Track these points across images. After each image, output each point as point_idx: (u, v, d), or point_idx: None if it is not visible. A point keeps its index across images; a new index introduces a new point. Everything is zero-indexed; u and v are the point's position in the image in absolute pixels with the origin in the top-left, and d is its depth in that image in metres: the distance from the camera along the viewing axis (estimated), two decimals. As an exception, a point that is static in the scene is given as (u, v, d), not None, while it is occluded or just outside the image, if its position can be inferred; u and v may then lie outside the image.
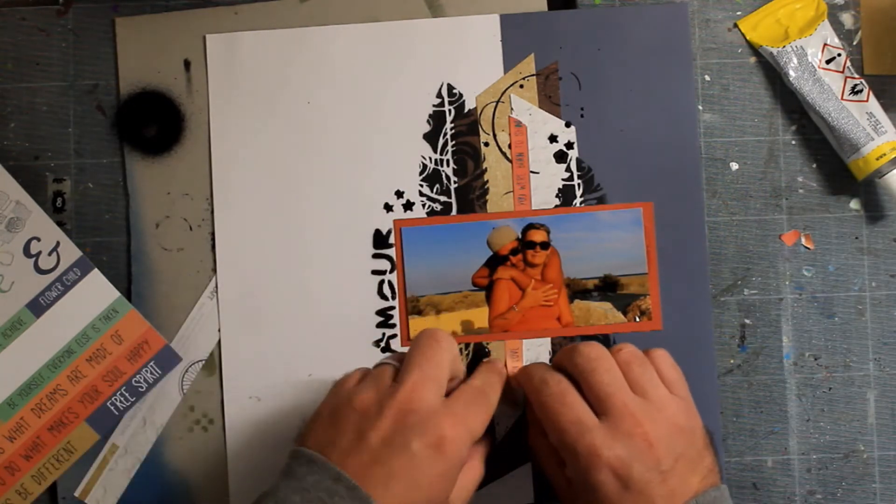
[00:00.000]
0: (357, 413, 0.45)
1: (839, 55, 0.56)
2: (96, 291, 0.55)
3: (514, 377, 0.53)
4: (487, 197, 0.56)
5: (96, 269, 0.55)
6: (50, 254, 0.55)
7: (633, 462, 0.45)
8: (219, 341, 0.55)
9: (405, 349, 0.54)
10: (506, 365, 0.55)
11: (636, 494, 0.45)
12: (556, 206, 0.56)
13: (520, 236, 0.55)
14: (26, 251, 0.54)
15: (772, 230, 0.56)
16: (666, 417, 0.47)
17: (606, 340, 0.55)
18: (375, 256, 0.55)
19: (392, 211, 0.56)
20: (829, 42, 0.56)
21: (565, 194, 0.56)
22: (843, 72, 0.56)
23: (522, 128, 0.56)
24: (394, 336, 0.55)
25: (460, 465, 0.45)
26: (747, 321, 0.56)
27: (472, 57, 0.56)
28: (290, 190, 0.56)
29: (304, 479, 0.43)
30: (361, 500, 0.42)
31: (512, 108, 0.56)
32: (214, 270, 0.55)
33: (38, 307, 0.54)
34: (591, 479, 0.45)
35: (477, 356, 0.55)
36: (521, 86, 0.56)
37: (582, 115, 0.56)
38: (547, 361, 0.55)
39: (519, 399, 0.54)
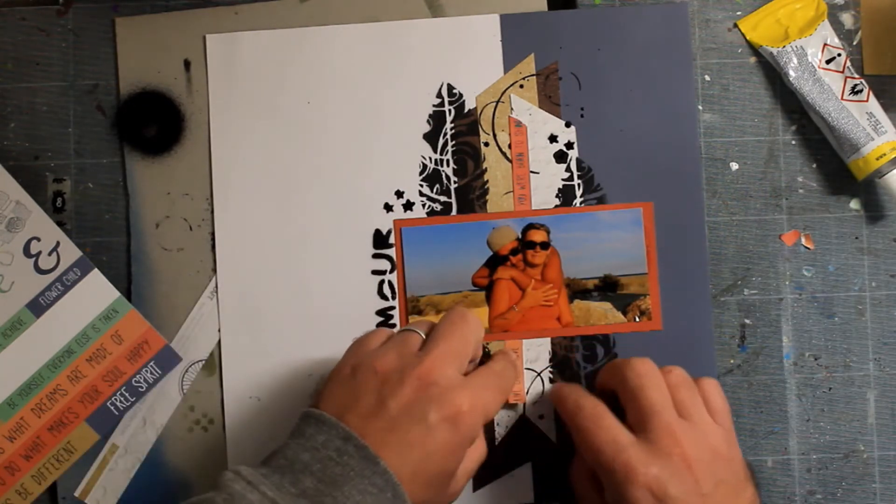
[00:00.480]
0: (378, 377, 0.45)
1: (839, 55, 0.56)
2: (96, 291, 0.55)
3: (548, 395, 0.53)
4: (487, 197, 0.56)
5: (96, 269, 0.55)
6: (50, 254, 0.55)
7: (669, 481, 0.45)
8: (219, 341, 0.55)
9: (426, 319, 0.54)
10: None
11: None
12: (556, 206, 0.56)
13: (520, 236, 0.56)
14: (26, 251, 0.54)
15: (772, 230, 0.56)
16: (708, 442, 0.47)
17: (606, 341, 0.55)
18: (375, 256, 0.55)
19: (392, 211, 0.56)
20: (829, 42, 0.56)
21: (565, 194, 0.56)
22: (843, 72, 0.56)
23: (522, 128, 0.56)
24: (394, 336, 0.55)
25: (471, 442, 0.46)
26: (747, 321, 0.56)
27: (472, 57, 0.56)
28: (290, 190, 0.56)
29: (312, 438, 0.44)
30: (370, 459, 0.42)
31: (512, 108, 0.56)
32: (214, 270, 0.55)
33: (38, 307, 0.54)
34: (628, 496, 0.46)
35: (477, 356, 0.55)
36: (521, 86, 0.56)
37: (582, 115, 0.56)
38: (547, 362, 0.55)
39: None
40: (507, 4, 0.56)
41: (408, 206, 0.56)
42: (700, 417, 0.48)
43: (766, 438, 0.56)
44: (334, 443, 0.43)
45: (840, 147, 0.55)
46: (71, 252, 0.55)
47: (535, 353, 0.55)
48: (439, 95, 0.56)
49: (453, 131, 0.56)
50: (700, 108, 0.56)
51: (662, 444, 0.47)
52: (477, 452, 0.49)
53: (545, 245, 0.56)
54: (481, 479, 0.55)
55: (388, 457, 0.43)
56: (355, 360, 0.47)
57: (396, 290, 0.55)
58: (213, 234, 0.56)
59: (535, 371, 0.55)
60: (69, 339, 0.54)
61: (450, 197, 0.56)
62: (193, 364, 0.55)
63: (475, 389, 0.46)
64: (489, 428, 0.55)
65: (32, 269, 0.54)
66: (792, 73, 0.55)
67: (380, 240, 0.55)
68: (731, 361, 0.56)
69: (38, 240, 0.55)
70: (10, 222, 0.55)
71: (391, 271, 0.55)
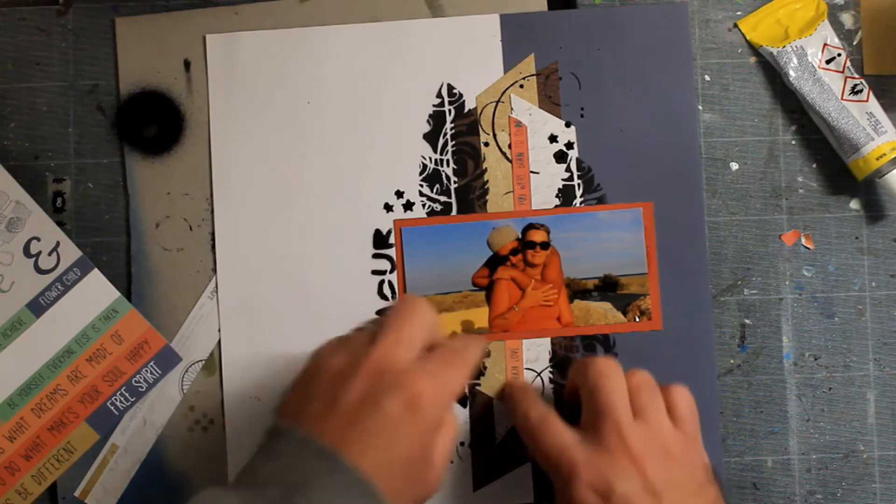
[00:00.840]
0: (330, 377, 0.44)
1: (839, 55, 0.56)
2: (96, 291, 0.55)
3: (501, 395, 0.53)
4: (487, 197, 0.56)
5: (96, 269, 0.55)
6: (50, 254, 0.55)
7: (614, 478, 0.45)
8: (219, 341, 0.55)
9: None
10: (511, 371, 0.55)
11: None
12: (556, 206, 0.56)
13: (520, 236, 0.56)
14: (26, 251, 0.54)
15: (772, 230, 0.56)
16: (659, 442, 0.47)
17: (606, 341, 0.55)
18: (375, 256, 0.55)
19: (392, 211, 0.56)
20: (829, 42, 0.56)
21: (565, 194, 0.56)
22: (843, 72, 0.56)
23: (522, 128, 0.56)
24: (394, 336, 0.55)
25: (437, 423, 0.44)
26: (747, 321, 0.56)
27: (472, 57, 0.56)
28: (290, 190, 0.56)
29: (273, 450, 0.43)
30: (329, 458, 0.41)
31: (512, 108, 0.56)
32: (214, 270, 0.55)
33: (38, 307, 0.54)
34: (573, 495, 0.45)
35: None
36: (521, 86, 0.56)
37: (582, 115, 0.56)
38: (547, 362, 0.55)
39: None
40: (507, 4, 0.56)
41: (408, 206, 0.56)
42: (657, 420, 0.48)
43: (766, 438, 0.56)
44: (293, 448, 0.42)
45: (840, 147, 0.55)
46: (71, 252, 0.55)
47: (535, 353, 0.55)
48: (439, 95, 0.56)
49: (453, 131, 0.56)
50: (700, 108, 0.56)
51: (608, 441, 0.46)
52: (448, 434, 0.46)
53: (545, 245, 0.56)
54: (481, 479, 0.55)
55: (349, 452, 0.41)
56: (308, 368, 0.46)
57: (396, 290, 0.55)
58: (213, 234, 0.56)
59: (535, 371, 0.55)
60: (69, 339, 0.54)
61: (450, 197, 0.56)
62: (193, 364, 0.55)
63: (432, 371, 0.44)
64: (489, 428, 0.55)
65: (32, 269, 0.54)
66: (792, 73, 0.55)
67: (380, 240, 0.55)
68: (731, 361, 0.56)
69: (38, 240, 0.55)
70: (10, 222, 0.55)
71: (391, 271, 0.55)
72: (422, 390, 0.43)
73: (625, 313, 0.55)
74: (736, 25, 0.57)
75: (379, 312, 0.55)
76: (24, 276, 0.54)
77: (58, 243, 0.55)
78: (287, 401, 0.46)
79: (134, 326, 0.55)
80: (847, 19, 0.57)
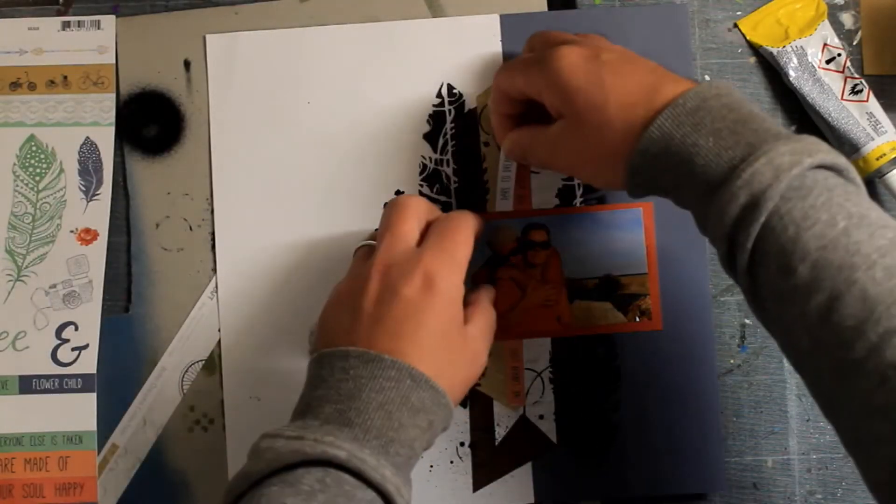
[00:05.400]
0: (347, 296, 0.47)
1: (839, 55, 0.56)
2: (80, 411, 0.54)
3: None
4: (487, 197, 0.56)
5: (94, 394, 0.54)
6: (74, 349, 0.54)
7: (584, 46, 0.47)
8: (219, 341, 0.55)
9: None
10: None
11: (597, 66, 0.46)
12: (556, 206, 0.56)
13: (520, 236, 0.55)
14: (58, 333, 0.54)
15: (772, 230, 0.56)
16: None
17: (606, 340, 0.55)
18: (375, 256, 0.55)
19: (392, 211, 0.56)
20: (829, 42, 0.56)
21: (565, 194, 0.56)
22: (843, 72, 0.56)
23: (522, 128, 0.56)
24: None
25: (459, 296, 0.47)
26: (747, 321, 0.56)
27: (472, 57, 0.56)
28: (290, 190, 0.56)
29: (317, 377, 0.45)
30: (373, 359, 0.43)
31: (512, 108, 0.56)
32: (214, 270, 0.55)
33: (27, 386, 0.54)
34: (555, 72, 0.46)
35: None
36: (521, 86, 0.56)
37: (582, 115, 0.56)
38: (547, 362, 0.55)
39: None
40: (507, 4, 0.56)
41: (408, 206, 0.56)
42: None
43: (766, 438, 0.56)
44: (337, 365, 0.44)
45: (840, 147, 0.55)
46: (89, 362, 0.54)
47: (535, 353, 0.55)
48: (439, 95, 0.56)
49: (453, 131, 0.56)
50: (700, 108, 0.56)
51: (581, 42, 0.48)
52: (482, 303, 0.50)
53: (545, 245, 0.56)
54: (481, 479, 0.55)
55: (386, 348, 0.44)
56: (325, 304, 0.49)
57: (396, 290, 0.55)
58: (213, 234, 0.56)
59: (536, 371, 0.55)
60: (27, 431, 0.54)
61: (450, 197, 0.56)
62: (193, 364, 0.55)
63: (430, 246, 0.47)
64: (489, 428, 0.55)
65: (49, 353, 0.54)
66: (792, 73, 0.55)
67: (380, 240, 0.55)
68: (731, 361, 0.56)
69: (76, 329, 0.54)
70: (68, 295, 0.55)
71: (391, 271, 0.55)
72: (431, 268, 0.46)
73: (625, 313, 0.55)
74: (736, 25, 0.57)
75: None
76: (39, 353, 0.54)
77: (87, 345, 0.54)
78: (317, 339, 0.48)
79: (84, 465, 0.54)
80: (847, 19, 0.57)
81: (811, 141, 0.41)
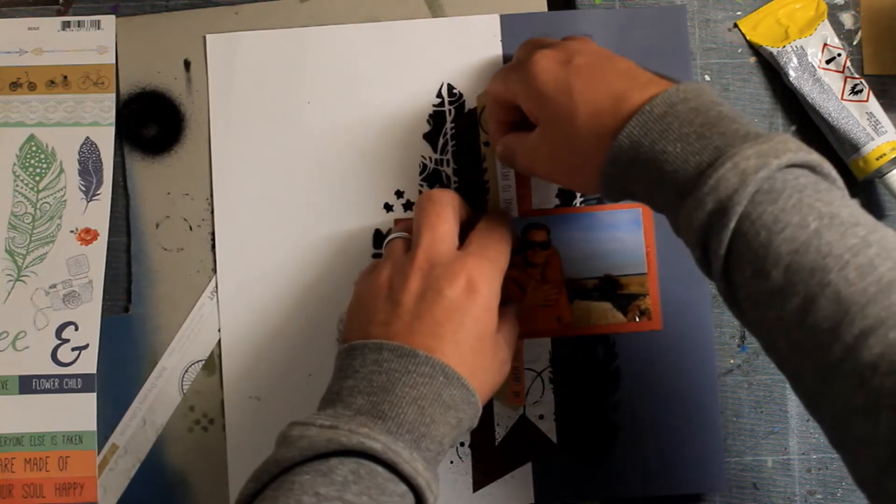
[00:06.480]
0: (383, 289, 0.47)
1: (839, 55, 0.56)
2: (80, 411, 0.54)
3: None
4: (487, 197, 0.56)
5: (94, 395, 0.54)
6: (74, 350, 0.54)
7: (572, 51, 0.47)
8: (219, 341, 0.55)
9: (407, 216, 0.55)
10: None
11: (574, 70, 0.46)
12: (556, 206, 0.56)
13: (520, 236, 0.55)
14: (58, 333, 0.54)
15: (772, 230, 0.56)
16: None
17: (606, 340, 0.55)
18: (376, 256, 0.55)
19: (392, 211, 0.56)
20: (829, 42, 0.56)
21: (565, 194, 0.56)
22: (843, 72, 0.56)
23: (522, 128, 0.56)
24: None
25: (496, 304, 0.47)
26: (747, 321, 0.56)
27: (472, 57, 0.56)
28: (290, 190, 0.56)
29: (349, 367, 0.45)
30: (408, 354, 0.44)
31: (512, 108, 0.56)
32: (214, 270, 0.55)
33: (27, 386, 0.54)
34: (533, 74, 0.46)
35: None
36: (521, 86, 0.56)
37: (582, 115, 0.56)
38: (547, 362, 0.55)
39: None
40: (507, 4, 0.56)
41: (408, 206, 0.56)
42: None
43: (766, 438, 0.56)
44: (370, 357, 0.44)
45: (840, 147, 0.55)
46: (89, 362, 0.54)
47: (535, 353, 0.55)
48: (439, 95, 0.56)
49: (453, 131, 0.56)
50: (700, 108, 0.56)
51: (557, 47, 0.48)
52: (510, 314, 0.51)
53: (545, 245, 0.56)
54: (481, 479, 0.55)
55: (423, 345, 0.44)
56: (358, 292, 0.49)
57: (396, 290, 0.55)
58: (213, 234, 0.56)
59: (536, 371, 0.55)
60: (27, 431, 0.54)
61: (450, 197, 0.56)
62: (193, 364, 0.55)
63: (474, 251, 0.48)
64: (489, 428, 0.55)
65: (50, 352, 0.54)
66: (792, 73, 0.55)
67: (380, 240, 0.55)
68: (731, 361, 0.56)
69: (76, 329, 0.54)
70: (68, 295, 0.55)
71: (391, 271, 0.55)
72: (475, 273, 0.46)
73: (625, 313, 0.55)
74: (736, 25, 0.57)
75: (397, 222, 0.55)
76: (39, 353, 0.54)
77: (87, 345, 0.54)
78: (347, 325, 0.48)
79: (84, 465, 0.54)
80: (847, 19, 0.57)
81: (779, 140, 0.40)
